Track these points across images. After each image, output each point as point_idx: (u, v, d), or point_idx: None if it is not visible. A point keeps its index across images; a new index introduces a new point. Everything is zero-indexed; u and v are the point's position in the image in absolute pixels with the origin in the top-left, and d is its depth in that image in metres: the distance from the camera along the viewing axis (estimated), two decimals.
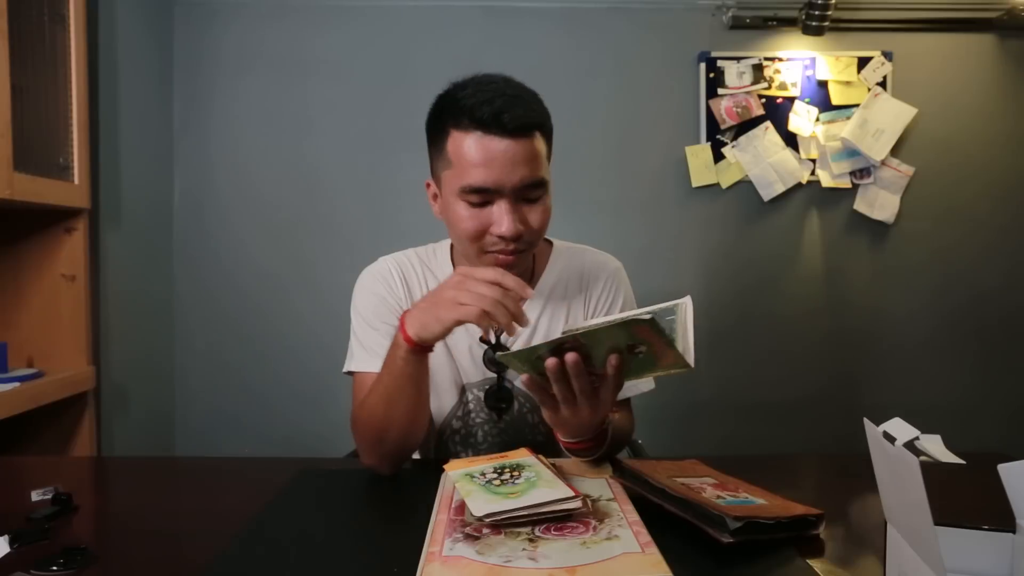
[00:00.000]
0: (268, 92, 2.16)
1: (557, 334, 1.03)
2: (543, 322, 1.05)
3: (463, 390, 1.05)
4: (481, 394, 1.04)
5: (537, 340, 1.04)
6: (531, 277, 1.07)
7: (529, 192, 0.91)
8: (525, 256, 0.96)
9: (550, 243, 1.12)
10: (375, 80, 2.18)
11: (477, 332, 1.03)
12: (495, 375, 1.03)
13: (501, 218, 0.89)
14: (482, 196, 0.89)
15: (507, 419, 1.05)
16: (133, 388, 1.92)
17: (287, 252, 2.18)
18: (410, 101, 2.18)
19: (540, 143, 0.91)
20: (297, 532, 0.71)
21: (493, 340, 1.02)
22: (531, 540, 0.62)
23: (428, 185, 1.01)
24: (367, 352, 1.02)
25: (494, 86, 0.90)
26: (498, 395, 1.03)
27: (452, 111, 0.91)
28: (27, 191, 1.36)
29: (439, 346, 1.03)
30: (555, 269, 1.08)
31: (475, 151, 0.88)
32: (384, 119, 2.17)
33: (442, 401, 1.05)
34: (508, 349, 1.02)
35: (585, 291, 1.08)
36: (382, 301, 1.04)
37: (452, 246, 1.09)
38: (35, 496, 0.80)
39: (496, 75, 0.94)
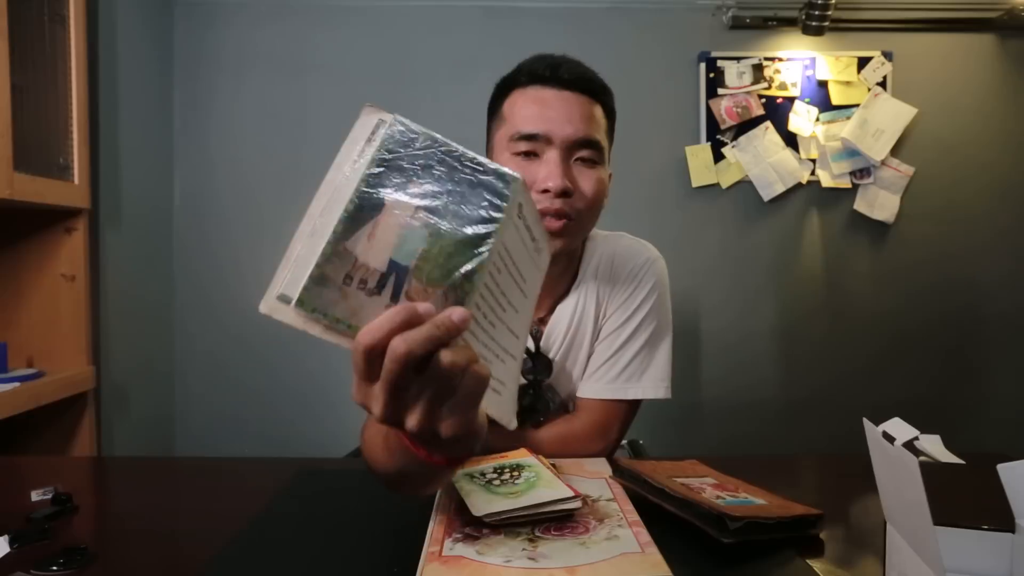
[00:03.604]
0: (268, 92, 2.16)
1: (587, 328, 0.98)
2: (575, 320, 0.99)
3: None
4: None
5: (567, 341, 0.98)
6: (578, 268, 1.01)
7: (582, 151, 0.87)
8: (573, 231, 0.89)
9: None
10: (375, 80, 2.18)
11: None
12: (528, 382, 0.96)
13: (549, 168, 0.85)
14: (531, 144, 0.86)
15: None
16: (133, 388, 1.92)
17: (286, 251, 2.17)
18: (410, 101, 2.19)
19: (599, 111, 0.89)
20: (297, 532, 0.71)
21: (532, 348, 0.96)
22: (531, 540, 0.62)
23: None
24: None
25: (558, 55, 0.91)
26: (534, 408, 0.96)
27: (514, 76, 0.91)
28: (27, 191, 1.36)
29: None
30: (590, 259, 1.01)
31: (528, 101, 0.88)
32: None
33: None
34: (546, 355, 0.96)
35: (610, 281, 1.00)
36: None
37: None
38: (35, 496, 0.79)
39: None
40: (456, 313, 0.41)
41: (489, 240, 0.44)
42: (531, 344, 0.96)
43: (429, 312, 0.41)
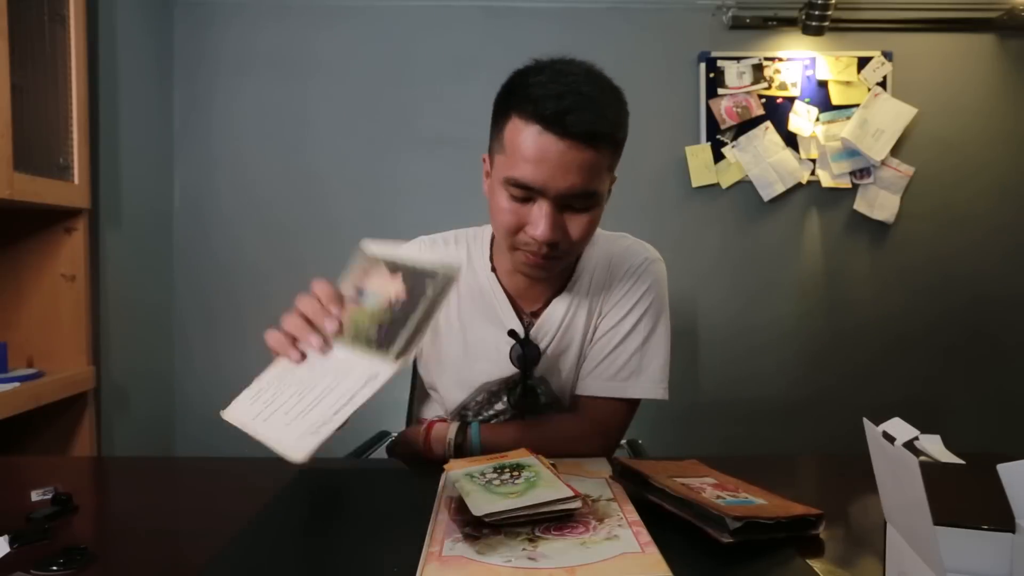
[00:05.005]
0: (268, 92, 2.17)
1: (579, 324, 1.00)
2: (568, 315, 1.00)
3: (480, 387, 1.02)
4: (497, 389, 1.01)
5: (559, 336, 1.00)
6: (573, 270, 1.02)
7: (575, 201, 0.85)
8: (555, 267, 0.92)
9: None
10: (375, 80, 2.18)
11: (503, 326, 0.99)
12: (519, 371, 0.99)
13: (538, 220, 0.84)
14: (525, 192, 0.84)
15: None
16: (133, 388, 1.92)
17: (286, 252, 2.18)
18: (410, 101, 2.19)
19: (603, 154, 0.84)
20: (296, 532, 0.71)
21: (522, 335, 0.98)
22: (531, 540, 0.62)
23: (484, 160, 0.95)
24: None
25: (571, 80, 0.82)
26: (525, 397, 0.99)
27: (519, 96, 0.84)
28: (27, 191, 1.36)
29: (455, 338, 1.02)
30: (588, 258, 1.02)
31: (529, 145, 0.82)
32: (384, 119, 2.18)
33: (452, 395, 1.04)
34: (535, 343, 0.98)
35: (607, 280, 1.02)
36: None
37: None
38: (35, 496, 0.79)
39: (579, 64, 0.86)
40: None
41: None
42: (521, 333, 0.98)
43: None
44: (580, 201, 0.85)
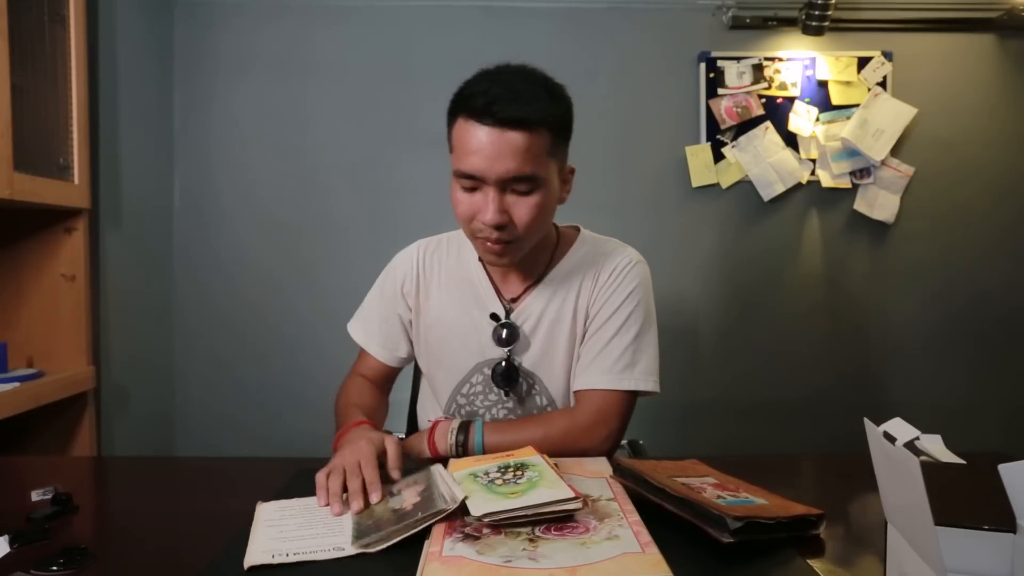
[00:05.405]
0: (268, 92, 2.16)
1: (565, 322, 1.06)
2: (551, 309, 1.06)
3: (473, 368, 1.08)
4: (489, 372, 1.06)
5: (543, 329, 1.06)
6: (549, 263, 1.08)
7: (517, 185, 0.92)
8: (514, 251, 0.97)
9: (578, 231, 1.13)
10: (375, 80, 2.18)
11: (487, 310, 1.06)
12: (503, 350, 1.05)
13: (485, 206, 0.92)
14: (471, 182, 0.93)
15: (514, 398, 1.07)
16: (133, 388, 1.92)
17: (286, 251, 2.18)
18: (410, 101, 2.19)
19: (537, 138, 0.91)
20: None
21: (503, 317, 1.05)
22: (531, 540, 0.62)
23: None
24: (363, 323, 1.17)
25: (502, 77, 0.92)
26: (506, 374, 1.05)
27: (459, 98, 0.94)
28: (27, 191, 1.36)
29: (446, 325, 1.09)
30: (573, 257, 1.09)
31: (467, 138, 0.91)
32: (383, 119, 2.18)
33: (448, 379, 1.10)
34: (514, 324, 1.05)
35: (593, 281, 1.07)
36: (393, 292, 1.13)
37: None
38: (35, 496, 0.80)
39: (515, 67, 0.95)
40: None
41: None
42: (502, 317, 1.06)
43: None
44: (522, 185, 0.92)
